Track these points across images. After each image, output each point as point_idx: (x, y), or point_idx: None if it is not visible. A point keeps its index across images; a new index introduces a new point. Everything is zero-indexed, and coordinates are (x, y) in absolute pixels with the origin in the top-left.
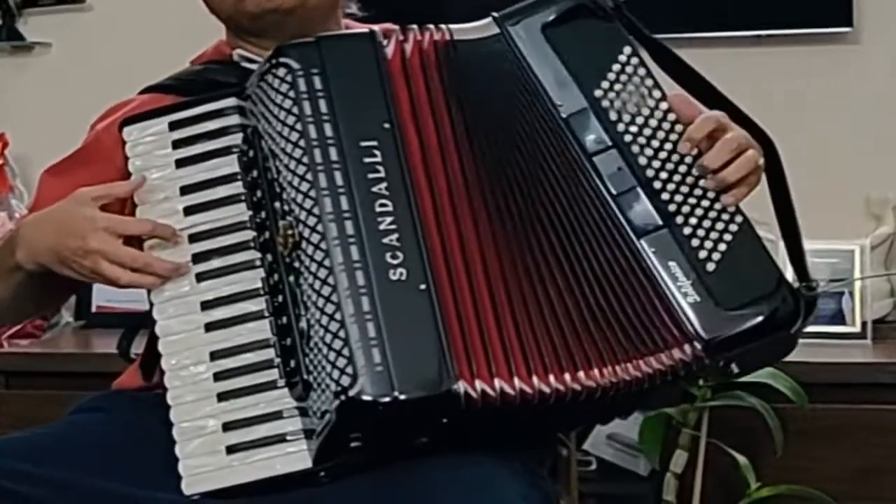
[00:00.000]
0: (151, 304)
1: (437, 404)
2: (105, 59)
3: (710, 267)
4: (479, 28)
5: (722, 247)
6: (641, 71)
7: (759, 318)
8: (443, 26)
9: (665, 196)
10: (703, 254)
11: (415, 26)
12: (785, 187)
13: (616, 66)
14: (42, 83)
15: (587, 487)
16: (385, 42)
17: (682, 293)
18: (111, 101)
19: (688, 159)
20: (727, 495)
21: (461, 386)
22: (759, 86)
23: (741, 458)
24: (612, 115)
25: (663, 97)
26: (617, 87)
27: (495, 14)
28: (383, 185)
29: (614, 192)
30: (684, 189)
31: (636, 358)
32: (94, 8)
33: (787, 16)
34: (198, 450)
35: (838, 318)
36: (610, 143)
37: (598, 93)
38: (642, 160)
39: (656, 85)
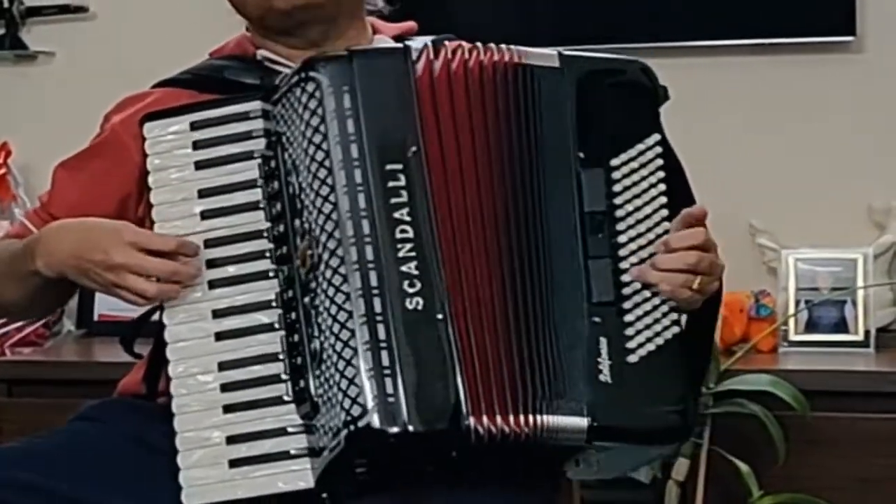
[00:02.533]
0: (161, 308)
1: (447, 438)
2: (109, 67)
3: (632, 359)
4: (542, 56)
5: (651, 347)
6: (658, 162)
7: (650, 426)
8: (502, 47)
9: (626, 278)
10: (631, 344)
11: (447, 42)
12: (714, 321)
13: (640, 146)
14: (45, 92)
15: (589, 494)
16: (417, 58)
17: (599, 369)
18: None
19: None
20: (729, 503)
21: (471, 421)
22: (763, 94)
23: (743, 466)
24: (617, 188)
25: (664, 194)
26: (632, 164)
27: (562, 51)
28: (405, 210)
29: (590, 253)
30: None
31: (542, 413)
32: (98, 17)
33: (791, 24)
34: (200, 461)
35: (841, 326)
36: (605, 209)
37: (614, 162)
38: (623, 238)
39: (663, 181)
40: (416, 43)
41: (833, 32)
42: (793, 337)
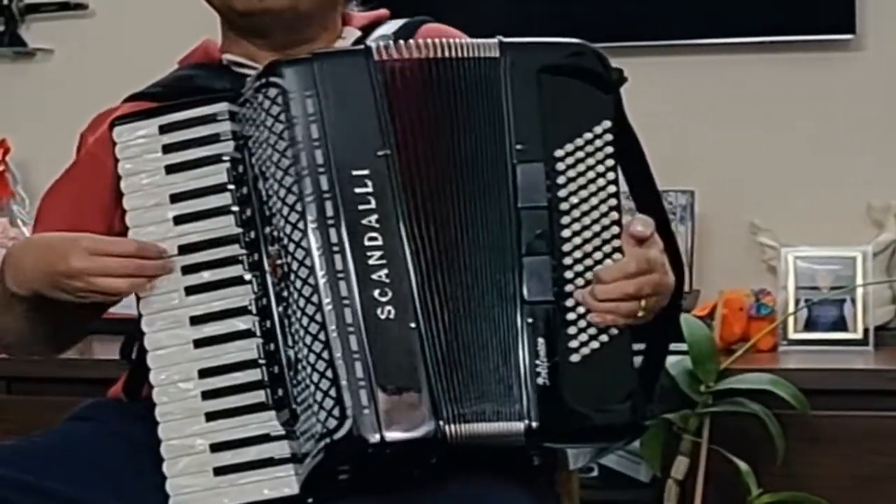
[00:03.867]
0: (140, 316)
1: (425, 445)
2: (107, 65)
3: (574, 358)
4: (482, 47)
5: (594, 345)
6: (608, 150)
7: (591, 426)
8: (441, 41)
9: (568, 275)
10: (573, 344)
11: (389, 42)
12: (674, 330)
13: (588, 135)
14: (44, 89)
15: (588, 494)
16: (378, 57)
17: (536, 372)
18: None
19: (603, 255)
20: (728, 502)
21: (448, 428)
22: (762, 92)
23: (742, 465)
24: (560, 180)
25: (615, 182)
26: (579, 154)
27: (503, 39)
28: (374, 217)
29: (524, 251)
30: (588, 278)
31: (476, 420)
32: (97, 14)
33: (790, 22)
34: (185, 469)
35: (840, 324)
36: (545, 205)
37: (558, 153)
38: (566, 233)
39: (613, 169)
40: (379, 33)
41: (833, 30)
42: (792, 335)
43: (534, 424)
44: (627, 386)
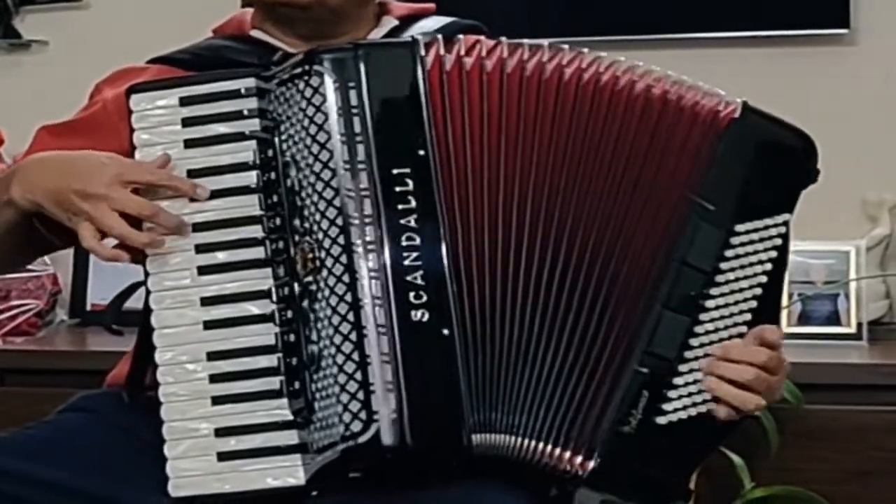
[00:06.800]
0: (149, 292)
1: (447, 453)
2: (102, 57)
3: (660, 420)
4: (724, 101)
5: (682, 415)
6: (777, 241)
7: (645, 488)
8: (669, 74)
9: (694, 343)
10: (667, 406)
11: (475, 37)
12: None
13: (768, 221)
14: (39, 81)
15: None
16: (426, 51)
17: (624, 418)
18: None
19: (729, 335)
20: (721, 495)
21: (474, 438)
22: (755, 87)
23: (736, 458)
24: (728, 253)
25: (767, 274)
26: (753, 235)
27: (745, 101)
28: (413, 217)
29: (670, 304)
30: (709, 351)
31: (548, 442)
32: (92, 6)
33: (784, 17)
34: (187, 452)
35: (834, 319)
36: (708, 270)
37: (739, 227)
38: (710, 303)
39: (771, 262)
40: (420, 26)
41: (827, 25)
42: (786, 329)
43: (601, 467)
44: (689, 463)
